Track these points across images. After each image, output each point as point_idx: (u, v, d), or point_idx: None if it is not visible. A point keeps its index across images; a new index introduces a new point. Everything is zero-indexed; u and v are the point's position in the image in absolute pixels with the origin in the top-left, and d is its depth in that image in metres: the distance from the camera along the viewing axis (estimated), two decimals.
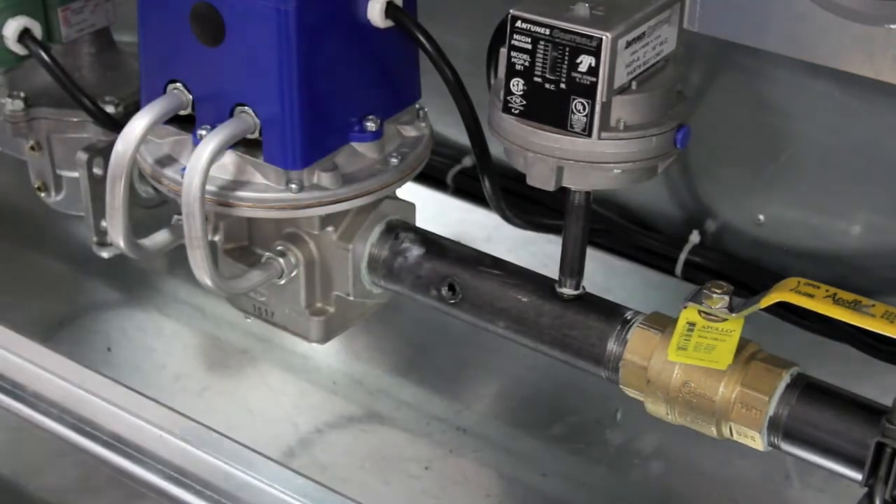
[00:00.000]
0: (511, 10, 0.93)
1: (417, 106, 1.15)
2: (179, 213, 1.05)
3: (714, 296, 0.97)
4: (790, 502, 1.28)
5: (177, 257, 1.12)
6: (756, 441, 0.96)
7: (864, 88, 1.21)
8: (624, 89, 0.94)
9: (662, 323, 1.00)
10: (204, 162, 1.01)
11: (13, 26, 1.22)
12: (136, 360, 1.47)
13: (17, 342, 1.26)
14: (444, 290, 1.09)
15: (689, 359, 0.96)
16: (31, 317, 1.51)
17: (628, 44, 0.92)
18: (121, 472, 1.18)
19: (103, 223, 1.24)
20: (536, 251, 1.42)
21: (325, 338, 1.16)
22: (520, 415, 1.39)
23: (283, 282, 1.13)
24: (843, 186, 1.31)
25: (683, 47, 0.99)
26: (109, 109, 1.27)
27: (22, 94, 1.28)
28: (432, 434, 1.37)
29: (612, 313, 1.03)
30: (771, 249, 1.37)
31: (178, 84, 1.08)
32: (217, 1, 1.02)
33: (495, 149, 1.04)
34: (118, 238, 1.08)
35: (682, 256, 1.39)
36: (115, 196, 1.06)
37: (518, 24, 0.93)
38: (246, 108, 1.05)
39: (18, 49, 1.23)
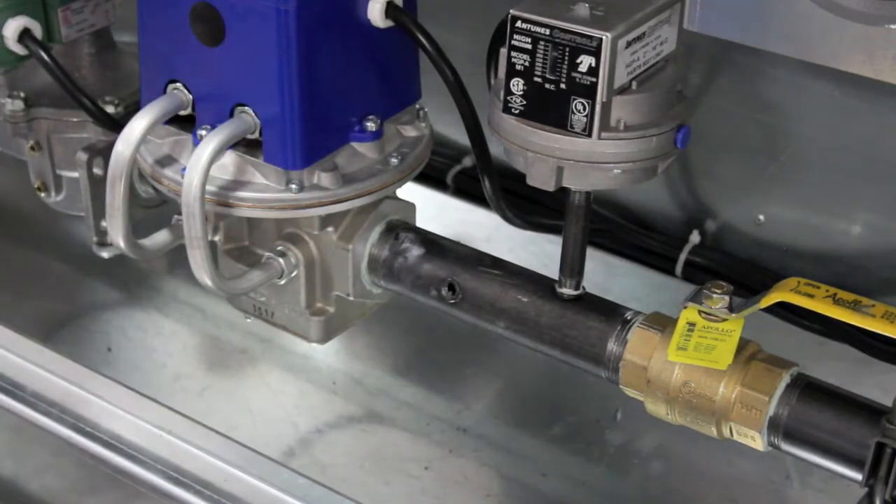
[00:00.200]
0: (511, 10, 0.93)
1: (417, 106, 1.15)
2: (179, 213, 1.05)
3: (714, 296, 0.97)
4: (790, 502, 1.28)
5: (177, 257, 1.12)
6: (756, 441, 0.96)
7: (864, 88, 1.21)
8: (624, 89, 0.94)
9: (662, 323, 1.00)
10: (204, 162, 1.01)
11: (13, 26, 1.22)
12: (136, 360, 1.47)
13: (17, 342, 1.26)
14: (444, 290, 1.09)
15: (689, 359, 0.96)
16: (31, 317, 1.51)
17: (628, 44, 0.92)
18: (121, 472, 1.18)
19: (103, 223, 1.24)
20: (536, 251, 1.42)
21: (325, 338, 1.16)
22: (520, 415, 1.39)
23: (283, 282, 1.13)
24: (843, 186, 1.31)
25: (683, 47, 0.99)
26: (109, 109, 1.27)
27: (22, 94, 1.28)
28: (432, 434, 1.37)
29: (612, 313, 1.03)
30: (771, 249, 1.37)
31: (178, 84, 1.08)
32: (217, 1, 1.02)
33: (495, 149, 1.04)
34: (118, 238, 1.08)
35: (682, 256, 1.39)
36: (115, 196, 1.06)
37: (518, 24, 0.93)
38: (246, 108, 1.05)
39: (18, 49, 1.23)
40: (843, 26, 0.89)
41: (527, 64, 0.93)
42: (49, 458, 1.34)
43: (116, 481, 1.25)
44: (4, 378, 1.24)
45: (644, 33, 0.94)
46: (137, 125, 1.05)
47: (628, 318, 1.02)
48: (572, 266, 1.04)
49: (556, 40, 0.92)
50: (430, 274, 1.10)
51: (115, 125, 1.22)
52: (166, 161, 1.11)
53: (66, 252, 1.61)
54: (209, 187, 1.05)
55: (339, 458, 1.34)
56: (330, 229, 1.12)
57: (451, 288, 1.09)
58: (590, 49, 0.91)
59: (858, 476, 0.92)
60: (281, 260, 1.12)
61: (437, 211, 1.49)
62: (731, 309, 0.96)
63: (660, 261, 1.42)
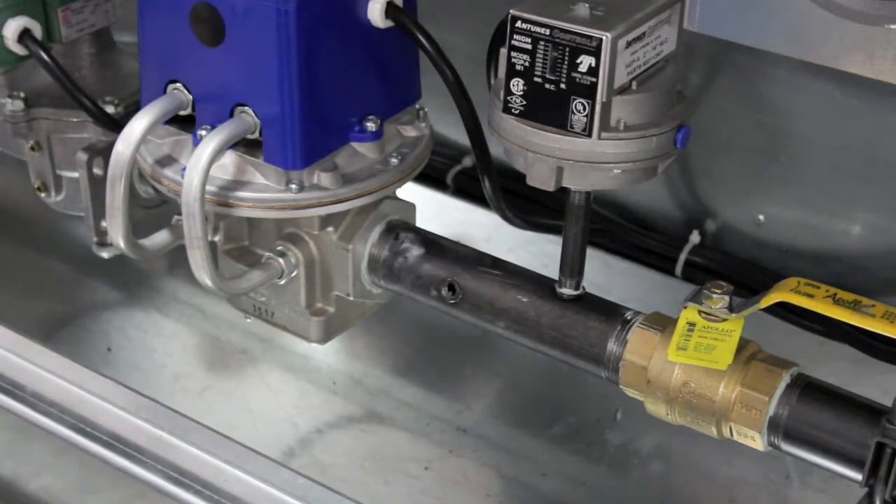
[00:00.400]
0: (511, 11, 0.93)
1: (417, 106, 1.15)
2: (179, 214, 1.05)
3: (714, 296, 0.97)
4: (790, 502, 1.28)
5: (177, 257, 1.12)
6: (756, 441, 0.96)
7: (864, 88, 1.21)
8: (624, 89, 0.94)
9: (662, 323, 1.00)
10: (204, 162, 1.01)
11: (13, 26, 1.22)
12: (136, 360, 1.47)
13: (17, 342, 1.26)
14: (444, 291, 1.09)
15: (689, 359, 0.96)
16: (31, 317, 1.51)
17: (628, 44, 0.92)
18: (121, 472, 1.18)
19: (103, 223, 1.24)
20: (536, 251, 1.42)
21: (325, 338, 1.16)
22: (520, 415, 1.39)
23: (283, 282, 1.13)
24: (843, 186, 1.31)
25: (683, 47, 0.99)
26: (109, 109, 1.27)
27: (22, 95, 1.28)
28: (432, 434, 1.37)
29: (612, 313, 1.03)
30: (771, 249, 1.37)
31: (178, 84, 1.08)
32: (217, 1, 1.02)
33: (495, 149, 1.04)
34: (118, 238, 1.08)
35: (682, 256, 1.39)
36: (115, 196, 1.06)
37: (518, 24, 0.93)
38: (246, 108, 1.05)
39: (18, 49, 1.23)
40: (843, 26, 0.89)
41: (527, 64, 0.93)
42: (49, 458, 1.34)
43: (116, 481, 1.25)
44: (4, 378, 1.24)
45: (644, 33, 0.94)
46: (137, 125, 1.05)
47: (628, 318, 1.02)
48: (572, 266, 1.04)
49: (556, 40, 0.92)
50: (430, 274, 1.10)
51: (115, 125, 1.22)
52: (166, 161, 1.11)
53: (66, 252, 1.61)
54: (209, 187, 1.05)
55: (339, 458, 1.34)
56: (330, 229, 1.12)
57: (451, 288, 1.09)
58: (590, 49, 0.91)
59: (858, 476, 0.92)
60: (281, 260, 1.12)
61: (437, 211, 1.49)
62: (731, 309, 0.96)
63: (660, 261, 1.42)
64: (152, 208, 1.31)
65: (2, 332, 1.27)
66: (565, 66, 0.92)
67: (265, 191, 1.07)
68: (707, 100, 1.34)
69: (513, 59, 0.94)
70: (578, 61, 0.91)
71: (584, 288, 1.05)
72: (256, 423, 1.38)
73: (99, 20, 1.31)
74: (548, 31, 0.92)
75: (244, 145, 1.07)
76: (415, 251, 1.11)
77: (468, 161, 1.54)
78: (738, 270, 1.36)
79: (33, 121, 1.29)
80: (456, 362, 1.45)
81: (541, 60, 0.93)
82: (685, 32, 0.98)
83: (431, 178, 1.52)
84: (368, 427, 1.38)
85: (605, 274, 1.41)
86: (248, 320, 1.20)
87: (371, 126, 1.09)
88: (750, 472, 1.29)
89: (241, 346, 1.48)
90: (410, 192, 1.18)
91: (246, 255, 1.17)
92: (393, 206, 1.14)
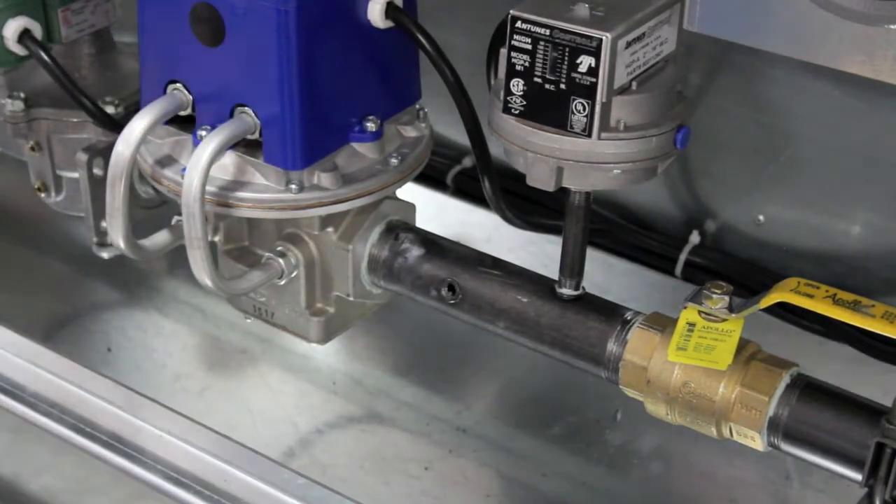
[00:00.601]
0: (511, 11, 0.93)
1: (417, 106, 1.15)
2: (179, 214, 1.05)
3: (714, 296, 0.97)
4: (790, 502, 1.28)
5: (177, 257, 1.12)
6: (756, 441, 0.96)
7: (864, 88, 1.21)
8: (624, 90, 0.94)
9: (662, 323, 1.00)
10: (204, 162, 1.01)
11: (13, 27, 1.22)
12: (136, 360, 1.47)
13: (17, 342, 1.26)
14: (444, 291, 1.09)
15: (689, 359, 0.96)
16: (31, 317, 1.51)
17: (628, 44, 0.92)
18: (121, 472, 1.18)
19: (103, 224, 1.24)
20: (536, 251, 1.42)
21: (325, 338, 1.16)
22: (520, 415, 1.39)
23: (283, 282, 1.13)
24: (843, 186, 1.31)
25: (683, 47, 0.99)
26: (109, 110, 1.27)
27: (22, 95, 1.28)
28: (432, 434, 1.37)
29: (611, 314, 1.03)
30: (771, 249, 1.37)
31: (178, 84, 1.08)
32: (217, 1, 1.02)
33: (495, 149, 1.04)
34: (118, 238, 1.08)
35: (682, 257, 1.39)
36: (115, 196, 1.06)
37: (518, 24, 0.93)
38: (246, 108, 1.05)
39: (18, 49, 1.23)
40: (843, 26, 0.89)
41: (527, 64, 0.93)
42: (49, 458, 1.34)
43: (116, 481, 1.25)
44: (4, 378, 1.25)
45: (644, 33, 0.94)
46: (137, 125, 1.05)
47: (628, 318, 1.02)
48: (572, 266, 1.04)
49: (556, 41, 0.92)
50: (429, 274, 1.10)
51: (115, 125, 1.22)
52: (166, 161, 1.11)
53: (66, 252, 1.61)
54: (209, 188, 1.05)
55: (339, 458, 1.34)
56: (330, 229, 1.12)
57: (451, 288, 1.09)
58: (590, 49, 0.91)
59: (858, 476, 0.92)
60: (281, 260, 1.12)
61: (437, 211, 1.49)
62: (730, 309, 0.96)
63: (660, 261, 1.42)
64: (152, 208, 1.31)
65: (2, 332, 1.27)
66: (565, 67, 0.92)
67: (265, 191, 1.07)
68: (707, 100, 1.34)
69: (513, 60, 0.94)
70: (578, 61, 0.91)
71: (584, 288, 1.05)
72: (256, 423, 1.38)
73: (99, 20, 1.31)
74: (548, 32, 0.92)
75: (244, 145, 1.07)
76: (415, 251, 1.11)
77: (468, 161, 1.54)
78: (737, 270, 1.36)
79: (33, 121, 1.29)
80: (456, 362, 1.45)
81: (541, 60, 0.93)
82: (685, 32, 0.98)
83: (431, 178, 1.52)
84: (368, 427, 1.38)
85: (605, 274, 1.41)
86: (248, 320, 1.20)
87: (371, 126, 1.09)
88: (750, 472, 1.29)
89: (241, 346, 1.48)
90: (410, 192, 1.18)
91: (246, 255, 1.17)
92: (393, 207, 1.14)
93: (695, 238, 1.40)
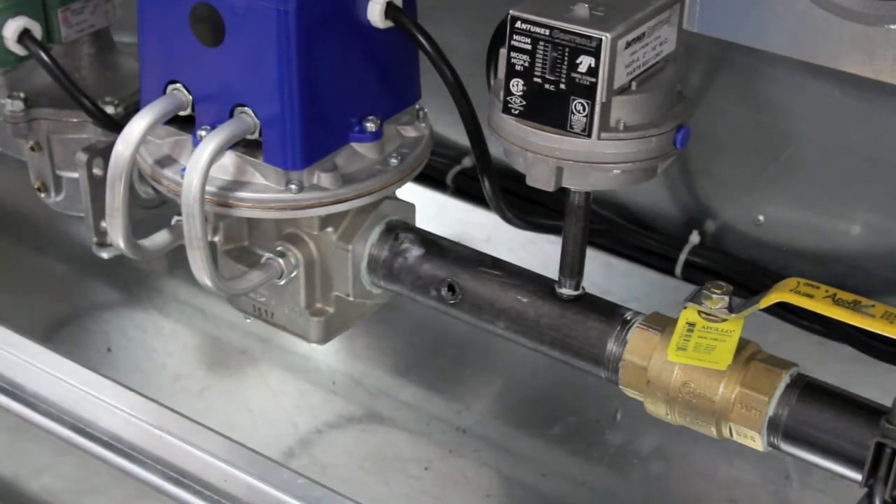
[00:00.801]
0: (511, 11, 0.93)
1: (417, 106, 1.15)
2: (179, 214, 1.05)
3: (714, 296, 0.97)
4: (790, 502, 1.28)
5: (177, 257, 1.12)
6: (756, 441, 0.96)
7: (864, 88, 1.21)
8: (624, 90, 0.94)
9: (662, 323, 1.00)
10: (204, 162, 1.01)
11: (13, 27, 1.22)
12: (136, 360, 1.47)
13: (17, 342, 1.26)
14: (444, 291, 1.09)
15: (689, 359, 0.96)
16: (31, 317, 1.51)
17: (628, 44, 0.92)
18: (121, 472, 1.18)
19: (103, 224, 1.24)
20: (536, 251, 1.42)
21: (325, 338, 1.16)
22: (520, 415, 1.39)
23: (282, 282, 1.13)
24: (843, 186, 1.31)
25: (683, 47, 0.99)
26: (109, 110, 1.27)
27: (22, 95, 1.28)
28: (432, 434, 1.37)
29: (611, 314, 1.03)
30: (771, 249, 1.37)
31: (178, 84, 1.08)
32: (217, 1, 1.02)
33: (495, 149, 1.04)
34: (118, 239, 1.08)
35: (682, 257, 1.39)
36: (115, 197, 1.06)
37: (518, 24, 0.93)
38: (246, 108, 1.05)
39: (18, 50, 1.23)
40: (843, 26, 0.89)
41: (526, 64, 0.93)
42: (49, 458, 1.34)
43: (116, 481, 1.25)
44: (4, 378, 1.24)
45: (644, 33, 0.94)
46: (137, 125, 1.05)
47: (628, 318, 1.02)
48: (572, 266, 1.04)
49: (556, 41, 0.92)
50: (429, 274, 1.10)
51: (115, 125, 1.22)
52: (166, 161, 1.11)
53: (66, 252, 1.61)
54: (209, 188, 1.05)
55: (339, 458, 1.34)
56: (330, 230, 1.12)
57: (451, 288, 1.09)
58: (589, 49, 0.91)
59: (858, 476, 0.92)
60: (281, 260, 1.12)
61: (436, 211, 1.49)
62: (730, 309, 0.96)
63: (659, 261, 1.42)
64: (152, 208, 1.31)
65: (2, 332, 1.27)
66: (565, 67, 0.92)
67: (265, 191, 1.07)
68: (707, 100, 1.34)
69: (512, 60, 0.94)
70: (578, 61, 0.91)
71: (583, 288, 1.05)
72: (256, 423, 1.38)
73: (99, 21, 1.31)
74: (547, 32, 0.92)
75: (244, 145, 1.07)
76: (414, 251, 1.11)
77: (468, 161, 1.54)
78: (737, 270, 1.36)
79: (33, 121, 1.29)
80: (456, 362, 1.45)
81: (540, 61, 0.93)
82: (685, 32, 0.98)
83: (431, 178, 1.52)
84: (368, 427, 1.38)
85: (605, 274, 1.41)
86: (248, 320, 1.20)
87: (371, 126, 1.09)
88: (750, 472, 1.29)
89: (241, 346, 1.48)
90: (410, 192, 1.18)
91: (246, 255, 1.17)
92: (393, 207, 1.14)
93: (695, 238, 1.40)
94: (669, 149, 0.97)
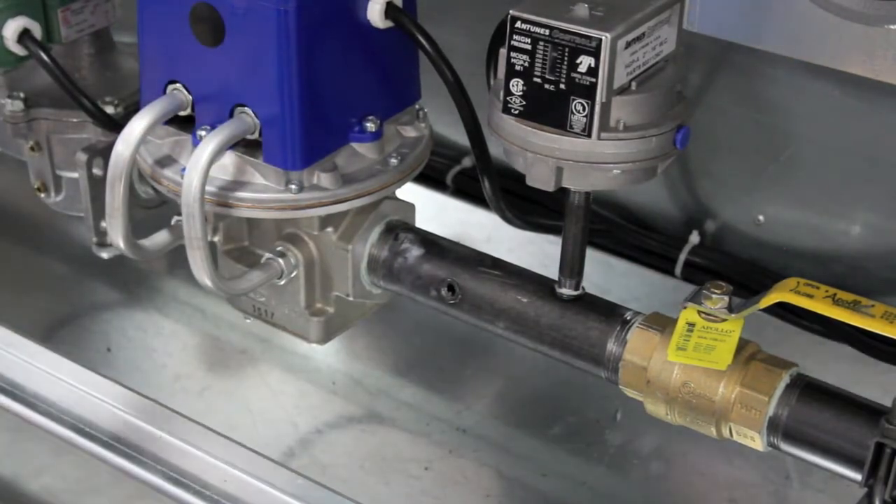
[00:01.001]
0: (511, 11, 0.93)
1: (417, 106, 1.15)
2: (179, 214, 1.05)
3: (713, 296, 0.97)
4: (790, 502, 1.28)
5: (177, 257, 1.12)
6: (756, 441, 0.96)
7: (864, 88, 1.21)
8: (623, 90, 0.94)
9: (662, 323, 1.00)
10: (203, 162, 1.01)
11: (13, 27, 1.22)
12: (136, 360, 1.47)
13: (17, 342, 1.26)
14: (444, 291, 1.09)
15: (689, 359, 0.96)
16: (31, 317, 1.51)
17: (628, 44, 0.92)
18: (121, 472, 1.18)
19: (103, 224, 1.24)
20: (536, 251, 1.42)
21: (325, 338, 1.16)
22: (520, 415, 1.39)
23: (282, 282, 1.13)
24: (843, 186, 1.31)
25: (683, 47, 0.99)
26: (109, 110, 1.27)
27: (22, 95, 1.28)
28: (432, 434, 1.37)
29: (611, 314, 1.03)
30: (771, 249, 1.37)
31: (178, 84, 1.08)
32: (217, 1, 1.02)
33: (495, 149, 1.04)
34: (118, 239, 1.08)
35: (682, 257, 1.39)
36: (115, 197, 1.06)
37: (518, 24, 0.93)
38: (246, 108, 1.05)
39: (18, 50, 1.23)
40: (843, 26, 0.89)
41: (526, 64, 0.93)
42: (49, 458, 1.34)
43: (116, 481, 1.25)
44: (4, 378, 1.25)
45: (644, 33, 0.94)
46: (137, 125, 1.05)
47: (628, 318, 1.02)
48: (572, 266, 1.04)
49: (556, 41, 0.92)
50: (429, 274, 1.10)
51: (115, 125, 1.22)
52: (166, 161, 1.11)
53: (66, 252, 1.61)
54: (209, 188, 1.05)
55: (339, 458, 1.34)
56: (330, 230, 1.12)
57: (451, 288, 1.09)
58: (589, 49, 0.91)
59: (858, 476, 0.92)
60: (280, 260, 1.12)
61: (436, 211, 1.49)
62: (730, 309, 0.96)
63: (659, 261, 1.42)
64: (152, 208, 1.31)
65: (2, 331, 1.27)
66: (565, 67, 0.92)
67: (265, 191, 1.07)
68: (707, 100, 1.34)
69: (512, 60, 0.94)
70: (578, 61, 0.91)
71: (583, 288, 1.05)
72: (256, 423, 1.38)
73: (99, 21, 1.31)
74: (547, 32, 0.92)
75: (244, 145, 1.07)
76: (414, 251, 1.11)
77: (468, 161, 1.54)
78: (737, 270, 1.36)
79: (33, 121, 1.29)
80: (456, 362, 1.45)
81: (540, 61, 0.93)
82: (685, 32, 0.98)
83: (431, 178, 1.52)
84: (368, 427, 1.38)
85: (605, 274, 1.41)
86: (248, 320, 1.20)
87: (371, 126, 1.09)
88: (750, 472, 1.29)
89: (241, 346, 1.48)
90: (410, 192, 1.18)
91: (246, 255, 1.17)
92: (392, 207, 1.14)
93: (694, 238, 1.40)
94: (669, 149, 0.97)
